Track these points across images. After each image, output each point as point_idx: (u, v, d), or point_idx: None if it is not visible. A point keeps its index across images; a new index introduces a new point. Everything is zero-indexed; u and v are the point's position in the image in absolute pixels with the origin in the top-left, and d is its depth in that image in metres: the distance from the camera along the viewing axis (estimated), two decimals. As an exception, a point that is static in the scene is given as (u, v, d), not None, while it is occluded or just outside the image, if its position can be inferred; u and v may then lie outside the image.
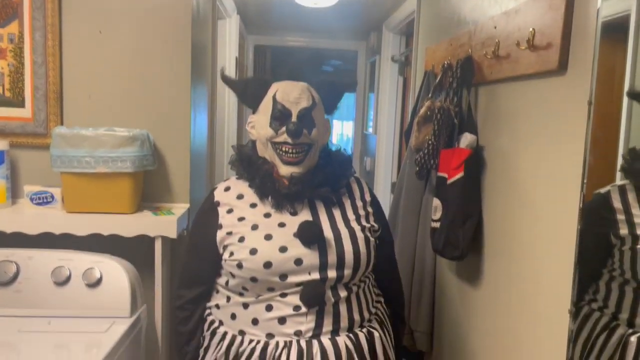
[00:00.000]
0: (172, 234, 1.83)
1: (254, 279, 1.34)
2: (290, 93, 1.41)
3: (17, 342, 1.56)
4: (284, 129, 1.39)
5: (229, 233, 1.39)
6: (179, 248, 2.03)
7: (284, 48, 5.31)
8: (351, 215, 1.48)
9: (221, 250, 1.40)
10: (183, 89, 2.01)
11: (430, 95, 2.11)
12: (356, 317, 1.44)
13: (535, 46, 1.39)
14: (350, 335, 1.41)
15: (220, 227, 1.41)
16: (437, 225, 1.89)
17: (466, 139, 1.77)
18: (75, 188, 1.82)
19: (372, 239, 1.47)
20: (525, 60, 1.46)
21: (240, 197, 1.46)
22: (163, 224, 1.83)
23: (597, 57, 1.15)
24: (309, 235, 1.36)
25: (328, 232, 1.40)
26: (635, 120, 1.17)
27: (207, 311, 1.50)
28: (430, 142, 1.95)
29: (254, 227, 1.38)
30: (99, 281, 1.71)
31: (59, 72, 1.94)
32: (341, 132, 9.10)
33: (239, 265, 1.34)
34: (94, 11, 1.95)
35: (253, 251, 1.34)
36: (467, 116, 1.85)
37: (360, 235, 1.44)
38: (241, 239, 1.37)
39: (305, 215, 1.42)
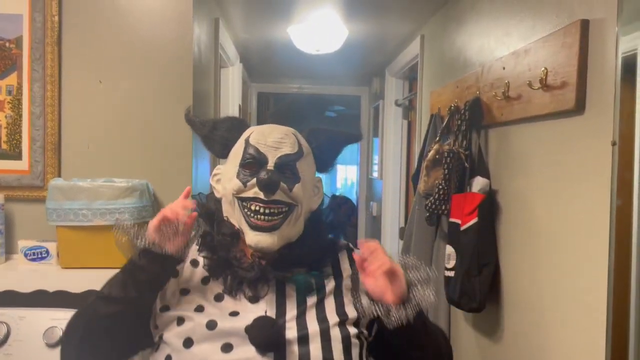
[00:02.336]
0: (172, 288, 1.73)
1: None
2: (269, 135, 1.10)
3: (5, 411, 1.45)
4: (254, 180, 1.06)
5: (167, 304, 1.08)
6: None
7: (288, 95, 5.34)
8: (331, 305, 1.08)
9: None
10: (184, 138, 1.96)
11: (437, 139, 2.06)
12: None
13: (549, 86, 1.34)
14: None
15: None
16: (451, 274, 1.79)
17: (478, 183, 1.70)
18: (71, 242, 1.74)
19: (356, 341, 1.05)
20: (539, 101, 1.41)
21: (194, 263, 1.13)
22: (162, 278, 1.74)
23: (620, 94, 1.08)
24: (262, 338, 1.00)
25: (292, 331, 1.03)
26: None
27: None
28: (440, 186, 1.88)
29: (199, 308, 1.05)
30: (93, 342, 1.60)
31: (58, 123, 1.90)
32: (345, 176, 9.08)
33: (168, 358, 1.03)
34: (94, 61, 1.92)
35: (187, 342, 1.01)
36: (478, 159, 1.78)
37: (337, 335, 1.04)
38: (180, 321, 1.04)
39: (266, 305, 1.06)
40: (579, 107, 1.23)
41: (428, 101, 2.62)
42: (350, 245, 1.22)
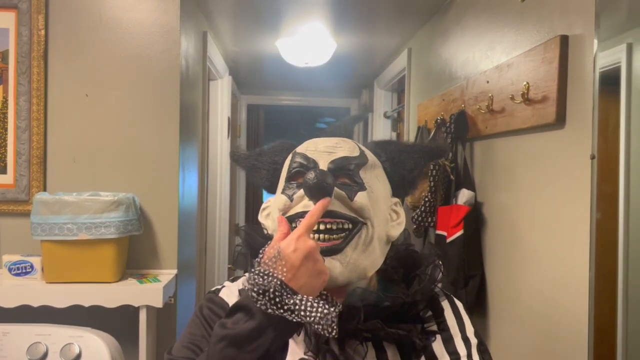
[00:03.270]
0: (158, 303, 1.72)
1: None
2: (321, 143, 0.89)
3: None
4: (302, 191, 0.83)
5: None
6: (165, 318, 1.92)
7: (277, 107, 5.35)
8: None
9: None
10: (171, 151, 1.96)
11: (424, 151, 2.07)
12: None
13: (531, 100, 1.36)
14: None
15: None
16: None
17: (464, 196, 1.72)
18: (55, 257, 1.73)
19: None
20: (521, 114, 1.42)
21: None
22: (148, 292, 1.73)
23: (597, 108, 1.10)
24: None
25: None
26: (634, 172, 1.11)
27: None
28: (426, 199, 1.89)
29: None
30: (77, 358, 1.58)
31: (43, 136, 1.89)
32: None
33: None
34: (80, 75, 1.92)
35: None
36: (464, 172, 1.79)
37: None
38: None
39: None
40: (560, 121, 1.24)
41: (416, 113, 2.64)
42: (448, 293, 0.93)
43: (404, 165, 0.93)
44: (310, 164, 0.85)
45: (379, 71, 3.81)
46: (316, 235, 0.80)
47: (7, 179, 1.88)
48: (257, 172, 0.97)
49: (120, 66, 1.93)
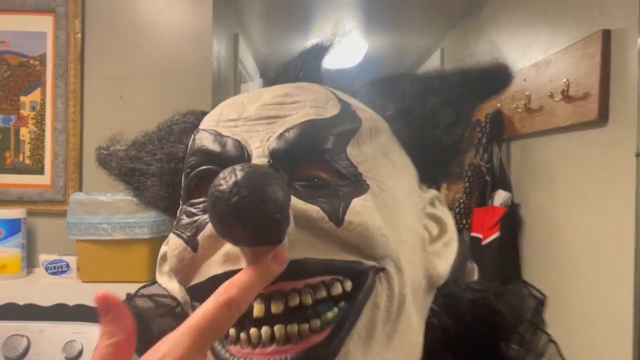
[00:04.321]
0: (190, 303, 1.73)
1: None
2: (250, 101, 0.45)
3: None
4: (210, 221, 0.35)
5: None
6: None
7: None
8: None
9: None
10: (203, 152, 1.97)
11: (458, 152, 2.03)
12: None
13: (571, 97, 1.31)
14: None
15: None
16: (472, 290, 1.75)
17: (500, 197, 1.67)
18: (90, 256, 1.75)
19: None
20: (561, 112, 1.38)
21: None
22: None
23: (643, 105, 1.06)
24: None
25: None
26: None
27: None
28: (461, 200, 1.85)
29: None
30: (111, 356, 1.60)
31: (80, 138, 1.93)
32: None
33: None
34: (115, 77, 1.95)
35: None
36: (500, 172, 1.75)
37: None
38: None
39: None
40: (602, 118, 1.20)
41: (448, 114, 2.60)
42: None
43: (439, 118, 0.47)
44: (225, 151, 0.41)
45: (411, 72, 3.77)
46: (264, 330, 0.36)
47: (45, 179, 1.92)
48: (140, 182, 0.53)
49: (154, 68, 1.96)
